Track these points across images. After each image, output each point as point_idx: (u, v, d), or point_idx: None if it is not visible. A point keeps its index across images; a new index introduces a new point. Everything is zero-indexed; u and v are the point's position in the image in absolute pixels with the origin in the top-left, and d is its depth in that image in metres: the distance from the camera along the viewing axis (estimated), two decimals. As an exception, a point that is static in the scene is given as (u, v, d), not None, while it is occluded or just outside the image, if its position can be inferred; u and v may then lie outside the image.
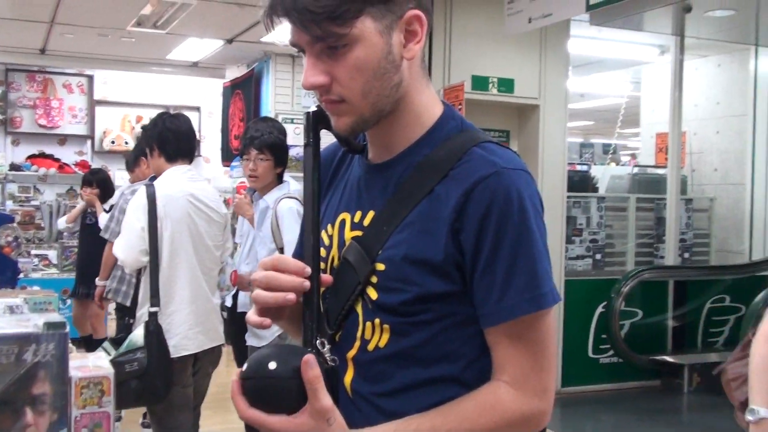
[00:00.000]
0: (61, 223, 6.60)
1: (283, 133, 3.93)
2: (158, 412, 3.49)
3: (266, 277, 1.17)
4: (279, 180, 3.87)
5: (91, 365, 1.75)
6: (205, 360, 3.60)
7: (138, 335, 3.30)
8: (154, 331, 3.31)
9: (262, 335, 3.57)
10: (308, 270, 1.17)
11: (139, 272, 3.51)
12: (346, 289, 1.25)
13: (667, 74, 7.20)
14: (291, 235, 3.46)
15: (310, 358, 1.08)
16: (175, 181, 3.50)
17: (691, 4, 5.89)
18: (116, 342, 3.42)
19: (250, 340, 3.78)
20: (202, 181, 3.74)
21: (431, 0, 1.24)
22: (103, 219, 5.63)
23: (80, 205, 6.30)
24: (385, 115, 1.23)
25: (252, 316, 1.21)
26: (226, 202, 6.94)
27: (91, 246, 6.07)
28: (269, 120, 4.18)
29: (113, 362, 2.96)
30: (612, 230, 7.15)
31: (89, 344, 6.21)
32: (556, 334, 1.23)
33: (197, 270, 3.48)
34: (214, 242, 3.58)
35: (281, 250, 3.53)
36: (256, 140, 3.73)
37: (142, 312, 3.42)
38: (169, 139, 3.54)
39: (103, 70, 9.71)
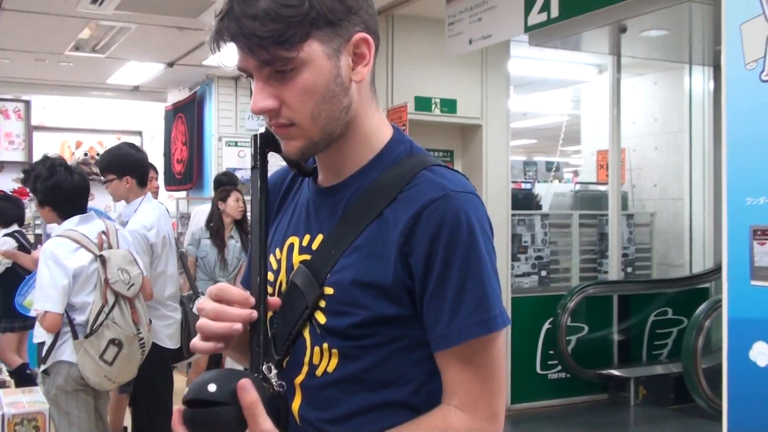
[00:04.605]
0: None
1: None
2: None
3: (214, 310, 1.14)
4: None
5: (26, 401, 1.69)
6: None
7: None
8: None
9: None
10: (252, 300, 1.15)
11: None
12: (293, 314, 1.23)
13: (606, 92, 7.34)
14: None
15: (245, 382, 1.05)
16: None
17: (626, 25, 6.03)
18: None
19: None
20: None
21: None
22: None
23: None
24: (335, 139, 1.22)
25: (199, 342, 1.17)
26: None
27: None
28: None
29: None
30: (556, 247, 7.22)
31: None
32: (505, 356, 1.23)
33: None
34: None
35: None
36: None
37: None
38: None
39: (41, 95, 9.52)
